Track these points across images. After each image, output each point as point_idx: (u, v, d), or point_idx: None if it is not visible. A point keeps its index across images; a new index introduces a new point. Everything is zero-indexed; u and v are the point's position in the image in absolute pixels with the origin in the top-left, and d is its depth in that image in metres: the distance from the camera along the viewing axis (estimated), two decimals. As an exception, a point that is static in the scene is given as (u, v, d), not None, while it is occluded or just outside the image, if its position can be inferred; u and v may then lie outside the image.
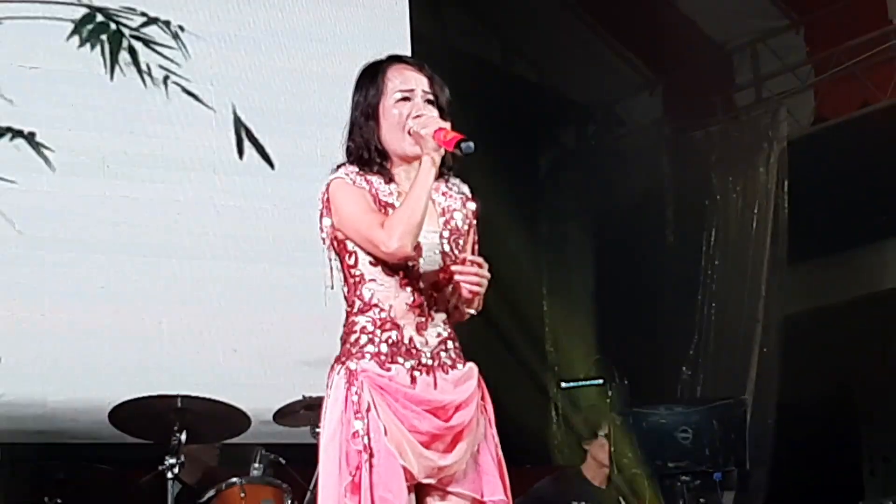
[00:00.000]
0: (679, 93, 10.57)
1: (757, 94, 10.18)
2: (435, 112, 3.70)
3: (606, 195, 11.03)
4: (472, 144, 3.55)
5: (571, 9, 10.35)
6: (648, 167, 10.73)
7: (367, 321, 3.63)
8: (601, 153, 11.16)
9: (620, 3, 9.99)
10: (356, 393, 3.56)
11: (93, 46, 7.53)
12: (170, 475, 6.09)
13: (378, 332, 3.62)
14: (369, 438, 3.52)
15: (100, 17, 7.56)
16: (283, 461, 6.62)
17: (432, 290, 3.67)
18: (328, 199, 3.68)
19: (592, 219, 11.33)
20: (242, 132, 7.87)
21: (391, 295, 3.64)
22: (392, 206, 3.65)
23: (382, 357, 3.60)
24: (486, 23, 10.64)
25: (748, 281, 9.70)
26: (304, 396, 6.44)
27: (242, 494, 6.23)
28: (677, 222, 10.49)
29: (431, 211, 3.66)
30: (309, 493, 6.17)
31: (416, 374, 3.61)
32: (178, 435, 6.11)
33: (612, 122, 11.24)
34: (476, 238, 3.79)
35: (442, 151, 3.62)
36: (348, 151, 3.76)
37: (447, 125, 3.63)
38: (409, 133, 3.67)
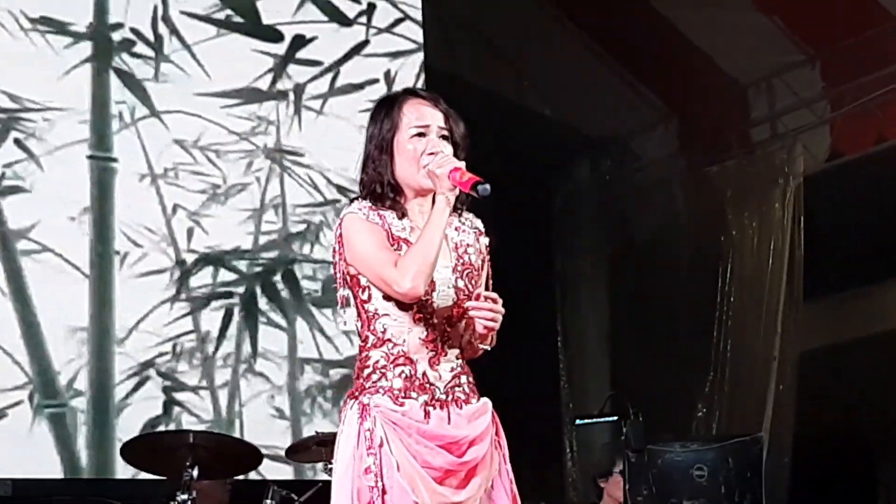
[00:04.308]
0: (694, 128, 10.53)
1: (772, 129, 10.13)
2: (449, 148, 3.68)
3: (621, 230, 10.98)
4: (488, 187, 3.51)
5: (586, 43, 10.34)
6: (663, 202, 10.69)
7: (381, 356, 3.61)
8: (616, 188, 11.11)
9: (635, 37, 9.97)
10: (369, 428, 3.54)
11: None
12: (181, 511, 6.08)
13: (391, 366, 3.60)
14: (382, 474, 3.50)
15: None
16: (296, 497, 6.59)
17: (446, 325, 3.64)
18: (341, 235, 3.66)
19: (607, 254, 11.27)
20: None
21: (405, 330, 3.61)
22: (406, 241, 3.62)
23: (396, 392, 3.57)
24: (500, 57, 10.62)
25: (764, 317, 9.64)
26: (316, 432, 6.43)
27: (254, 530, 6.23)
28: (692, 258, 10.43)
29: (444, 246, 3.63)
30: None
31: (430, 409, 3.59)
32: (190, 471, 6.08)
33: (627, 157, 11.19)
34: (490, 273, 3.76)
35: (457, 191, 3.59)
36: (361, 184, 3.74)
37: (462, 165, 3.60)
38: (424, 169, 3.65)
